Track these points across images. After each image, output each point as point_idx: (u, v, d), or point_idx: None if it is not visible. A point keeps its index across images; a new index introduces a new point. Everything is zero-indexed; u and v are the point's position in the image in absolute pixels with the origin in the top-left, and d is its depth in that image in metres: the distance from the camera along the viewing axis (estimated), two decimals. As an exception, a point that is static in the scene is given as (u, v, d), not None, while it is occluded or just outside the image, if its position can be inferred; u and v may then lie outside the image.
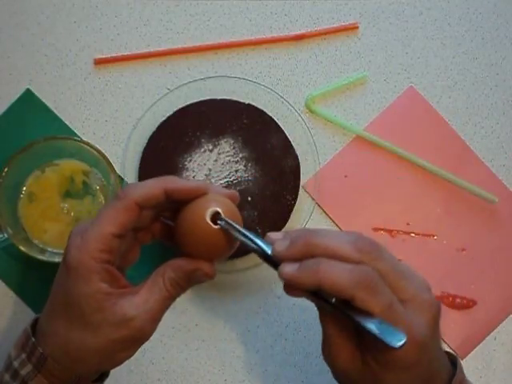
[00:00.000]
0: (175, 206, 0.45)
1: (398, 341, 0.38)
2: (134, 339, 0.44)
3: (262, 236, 0.44)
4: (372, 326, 0.38)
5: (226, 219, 0.43)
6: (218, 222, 0.43)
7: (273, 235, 0.43)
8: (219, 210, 0.43)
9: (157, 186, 0.43)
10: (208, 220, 0.43)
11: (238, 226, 0.43)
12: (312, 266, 0.40)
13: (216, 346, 0.62)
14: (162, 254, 0.62)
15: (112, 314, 0.42)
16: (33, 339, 0.44)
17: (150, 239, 0.48)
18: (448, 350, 0.63)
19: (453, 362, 0.46)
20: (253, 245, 0.43)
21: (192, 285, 0.45)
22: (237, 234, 0.43)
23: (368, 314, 0.39)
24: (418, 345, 0.40)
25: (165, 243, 0.48)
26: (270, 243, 0.42)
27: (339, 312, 0.40)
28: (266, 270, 0.62)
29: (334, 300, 0.40)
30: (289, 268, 0.40)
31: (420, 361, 0.40)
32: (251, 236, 0.43)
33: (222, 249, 0.44)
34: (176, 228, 0.45)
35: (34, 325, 0.46)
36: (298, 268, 0.40)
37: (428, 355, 0.41)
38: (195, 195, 0.44)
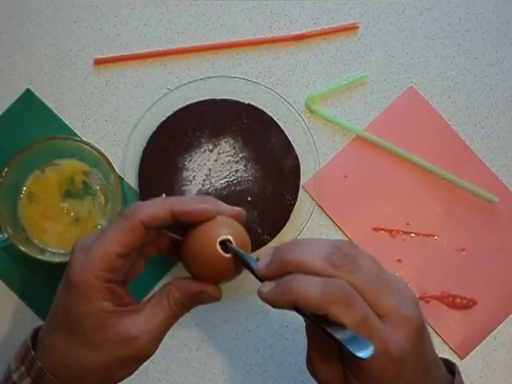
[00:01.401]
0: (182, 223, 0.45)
1: (366, 352, 0.36)
2: (135, 358, 0.44)
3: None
4: (343, 337, 0.37)
5: (235, 248, 0.42)
6: (228, 248, 0.42)
7: (263, 252, 0.43)
8: (230, 238, 0.43)
9: (164, 207, 0.43)
10: (218, 248, 0.42)
11: (245, 256, 0.42)
12: (285, 284, 0.39)
13: (216, 345, 0.62)
14: (163, 267, 0.62)
15: (115, 332, 0.42)
16: (32, 353, 0.44)
17: (155, 253, 0.48)
18: (447, 352, 0.63)
19: (451, 369, 0.45)
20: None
21: (196, 305, 0.45)
22: (244, 262, 0.43)
23: (343, 328, 0.38)
24: (395, 360, 0.39)
25: (170, 257, 0.48)
26: None
27: (315, 325, 0.40)
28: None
29: (309, 314, 0.40)
30: (265, 287, 0.41)
31: (400, 376, 0.39)
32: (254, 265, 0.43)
33: (230, 273, 0.44)
34: (183, 248, 0.44)
35: (35, 335, 0.46)
36: (274, 287, 0.40)
37: (410, 371, 0.40)
38: (203, 219, 0.43)
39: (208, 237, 0.43)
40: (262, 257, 0.42)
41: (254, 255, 0.43)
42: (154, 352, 0.44)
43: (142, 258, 0.47)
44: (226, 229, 0.43)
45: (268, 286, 0.41)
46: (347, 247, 0.41)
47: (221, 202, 0.45)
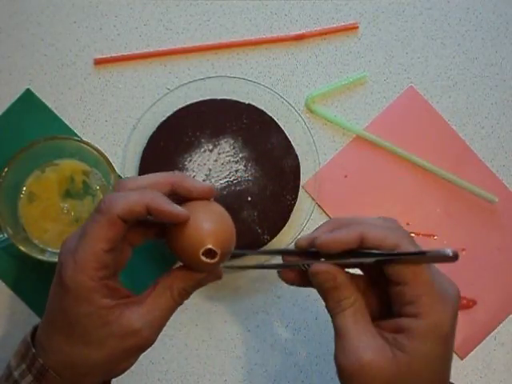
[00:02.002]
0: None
1: (450, 252, 0.38)
2: (138, 349, 0.44)
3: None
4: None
5: (220, 258, 0.42)
6: (214, 256, 0.42)
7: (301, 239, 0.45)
8: (211, 246, 0.42)
9: (140, 202, 0.42)
10: (203, 258, 0.42)
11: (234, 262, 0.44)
12: (353, 222, 0.42)
13: (216, 346, 0.62)
14: (164, 267, 0.62)
15: (118, 326, 0.42)
16: (33, 350, 0.44)
17: (142, 240, 0.47)
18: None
19: None
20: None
21: (198, 288, 0.46)
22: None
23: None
24: (453, 311, 0.41)
25: (158, 242, 0.48)
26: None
27: (379, 259, 0.41)
28: (267, 270, 0.62)
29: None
30: (325, 234, 0.42)
31: (452, 335, 0.41)
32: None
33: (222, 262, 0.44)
34: (170, 243, 0.44)
35: (34, 332, 0.46)
36: (339, 230, 0.42)
37: (451, 340, 0.42)
38: (177, 221, 0.43)
39: (192, 246, 0.42)
40: (300, 241, 0.45)
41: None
42: (154, 342, 0.44)
43: (129, 246, 0.47)
44: (208, 235, 0.42)
45: (330, 233, 0.43)
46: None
47: (190, 179, 0.45)
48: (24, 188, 0.58)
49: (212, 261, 0.42)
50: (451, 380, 0.44)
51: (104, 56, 0.63)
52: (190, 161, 0.61)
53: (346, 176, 0.64)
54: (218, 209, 0.45)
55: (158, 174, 0.45)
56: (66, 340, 0.43)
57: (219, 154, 0.61)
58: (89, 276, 0.41)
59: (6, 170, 0.55)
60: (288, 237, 0.61)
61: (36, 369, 0.44)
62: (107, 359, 0.43)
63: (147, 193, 0.43)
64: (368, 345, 0.41)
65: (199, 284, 0.45)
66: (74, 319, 0.42)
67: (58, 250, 0.57)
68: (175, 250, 0.44)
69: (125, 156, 0.62)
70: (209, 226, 0.43)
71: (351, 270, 0.44)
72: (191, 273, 0.44)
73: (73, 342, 0.43)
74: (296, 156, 0.62)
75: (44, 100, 0.63)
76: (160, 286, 0.44)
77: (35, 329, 0.46)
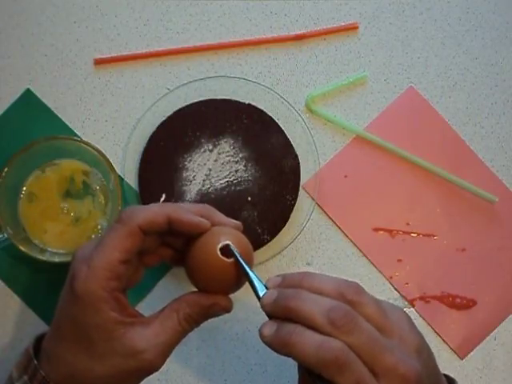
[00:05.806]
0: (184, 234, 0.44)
1: None
2: (141, 371, 0.43)
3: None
4: None
5: (236, 253, 0.42)
6: (230, 253, 0.42)
7: (271, 281, 0.43)
8: (229, 242, 0.42)
9: (161, 212, 0.43)
10: (219, 254, 0.42)
11: (243, 262, 0.42)
12: (285, 336, 0.39)
13: (216, 346, 0.62)
14: (162, 268, 0.61)
15: (121, 344, 0.42)
16: (35, 362, 0.44)
17: (157, 263, 0.47)
18: (447, 352, 0.63)
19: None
20: (253, 285, 0.43)
21: (207, 319, 0.45)
22: (242, 268, 0.42)
23: None
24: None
25: (174, 266, 0.48)
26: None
27: (310, 376, 0.40)
28: (266, 270, 0.62)
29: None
30: (266, 330, 0.41)
31: None
32: (252, 277, 0.42)
33: (237, 281, 0.44)
34: (187, 260, 0.44)
35: (36, 343, 0.46)
36: (274, 334, 0.40)
37: None
38: (197, 232, 0.43)
39: (207, 246, 0.43)
40: (268, 285, 0.42)
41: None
42: (160, 366, 0.44)
43: (143, 266, 0.47)
44: (227, 235, 0.43)
45: (269, 330, 0.41)
46: (351, 293, 0.40)
47: (219, 213, 0.45)
48: (24, 188, 0.58)
49: (229, 259, 0.42)
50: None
51: (104, 56, 0.63)
52: (190, 161, 0.61)
53: (346, 176, 0.64)
54: (238, 232, 0.45)
55: (193, 205, 0.46)
56: (72, 350, 0.43)
57: (219, 154, 0.61)
58: (100, 285, 0.41)
59: (5, 169, 0.55)
60: (288, 237, 0.61)
61: (38, 381, 0.43)
62: (108, 376, 0.43)
63: (168, 205, 0.44)
64: None
65: (206, 312, 0.44)
66: (80, 328, 0.42)
67: (58, 250, 0.58)
68: (192, 262, 0.43)
69: (125, 156, 0.62)
70: (230, 234, 0.43)
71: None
72: (198, 297, 0.44)
73: (78, 352, 0.43)
74: (296, 156, 0.62)
75: (44, 100, 0.63)
76: (168, 308, 0.44)
77: (37, 339, 0.46)
